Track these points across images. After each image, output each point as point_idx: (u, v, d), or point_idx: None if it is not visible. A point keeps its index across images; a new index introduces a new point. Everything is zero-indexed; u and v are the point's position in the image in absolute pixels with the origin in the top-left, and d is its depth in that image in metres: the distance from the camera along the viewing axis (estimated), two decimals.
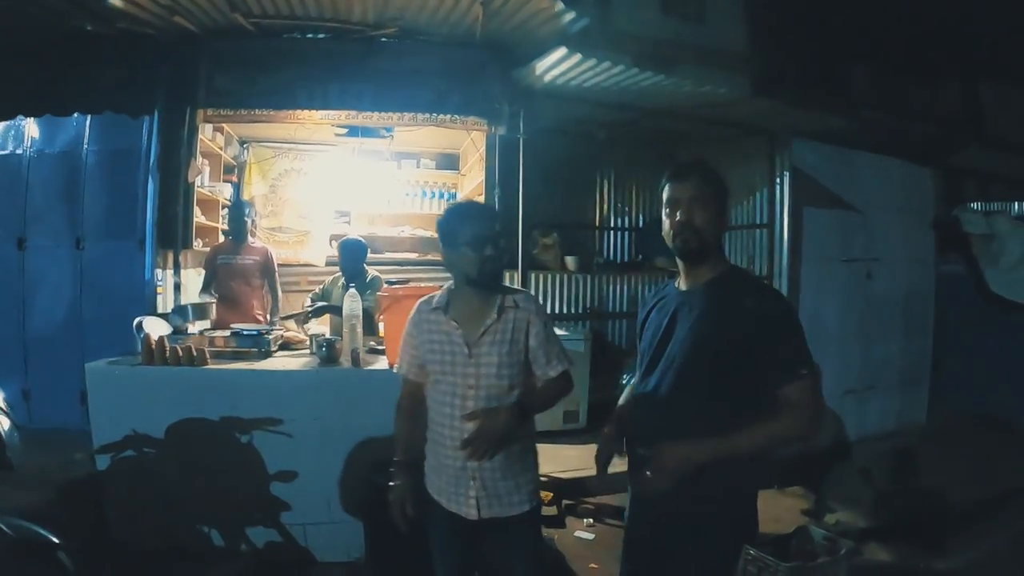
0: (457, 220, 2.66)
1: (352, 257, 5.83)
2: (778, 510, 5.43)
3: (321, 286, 6.05)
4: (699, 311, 2.24)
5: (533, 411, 2.71)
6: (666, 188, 2.32)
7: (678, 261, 2.37)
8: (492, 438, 2.51)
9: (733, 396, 2.15)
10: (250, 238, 6.24)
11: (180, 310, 4.88)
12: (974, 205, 8.82)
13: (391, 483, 2.71)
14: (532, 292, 7.56)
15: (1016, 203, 10.08)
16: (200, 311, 4.88)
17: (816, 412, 2.12)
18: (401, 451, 2.78)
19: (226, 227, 7.08)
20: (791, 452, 5.52)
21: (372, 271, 5.92)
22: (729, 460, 2.13)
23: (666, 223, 2.31)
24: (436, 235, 2.75)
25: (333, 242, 7.91)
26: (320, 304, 5.75)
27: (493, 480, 2.60)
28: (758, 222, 7.20)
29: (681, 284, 2.38)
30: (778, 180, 6.86)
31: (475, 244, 2.57)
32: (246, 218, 6.15)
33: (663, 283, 2.59)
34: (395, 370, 2.89)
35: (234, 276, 6.05)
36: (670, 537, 2.28)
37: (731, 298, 2.21)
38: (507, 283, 2.93)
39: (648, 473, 2.17)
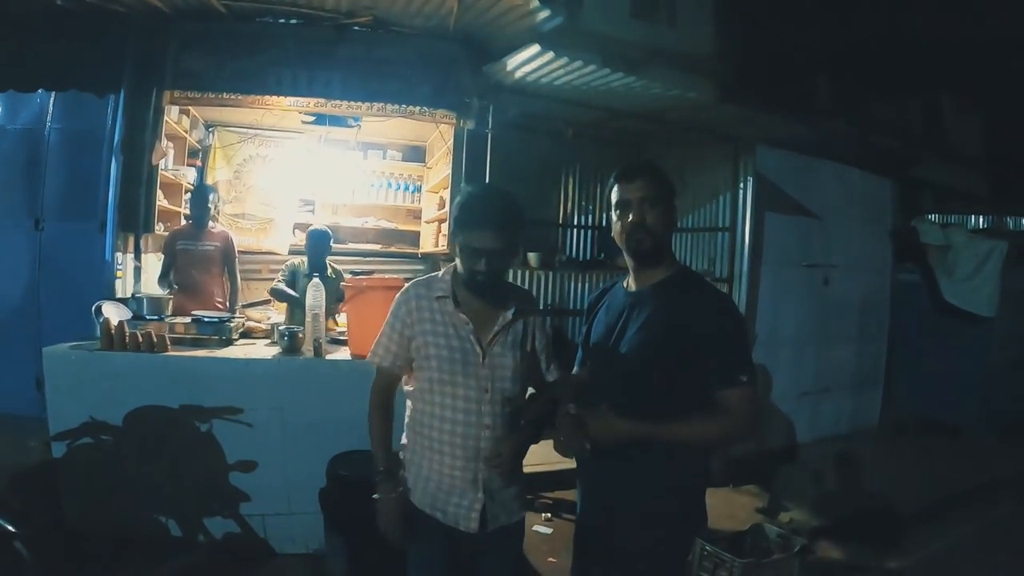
0: (465, 208, 2.36)
1: (321, 247, 5.82)
2: (733, 508, 5.54)
3: (288, 266, 6.00)
4: (649, 313, 2.25)
5: (545, 430, 2.53)
6: (615, 190, 2.32)
7: (628, 261, 2.36)
8: (514, 464, 2.44)
9: (682, 397, 2.18)
10: (211, 223, 6.12)
11: (137, 302, 4.81)
12: (932, 217, 8.99)
13: (376, 496, 2.43)
14: None
15: (972, 216, 10.34)
16: (156, 306, 4.79)
17: (750, 417, 2.18)
18: (384, 457, 2.48)
19: (188, 211, 6.98)
20: (741, 451, 5.68)
21: (333, 265, 5.97)
22: (675, 456, 2.20)
23: (617, 225, 2.31)
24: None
25: (297, 231, 7.86)
26: (282, 290, 5.78)
27: (499, 489, 2.43)
28: (720, 225, 7.26)
29: (631, 285, 2.39)
30: (741, 185, 6.92)
31: (470, 249, 2.32)
32: (210, 204, 6.03)
33: (609, 282, 2.59)
34: (370, 359, 2.53)
35: (194, 262, 5.92)
36: (619, 532, 2.30)
37: (680, 301, 2.23)
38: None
39: (574, 430, 2.19)
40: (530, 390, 2.62)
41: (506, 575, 2.59)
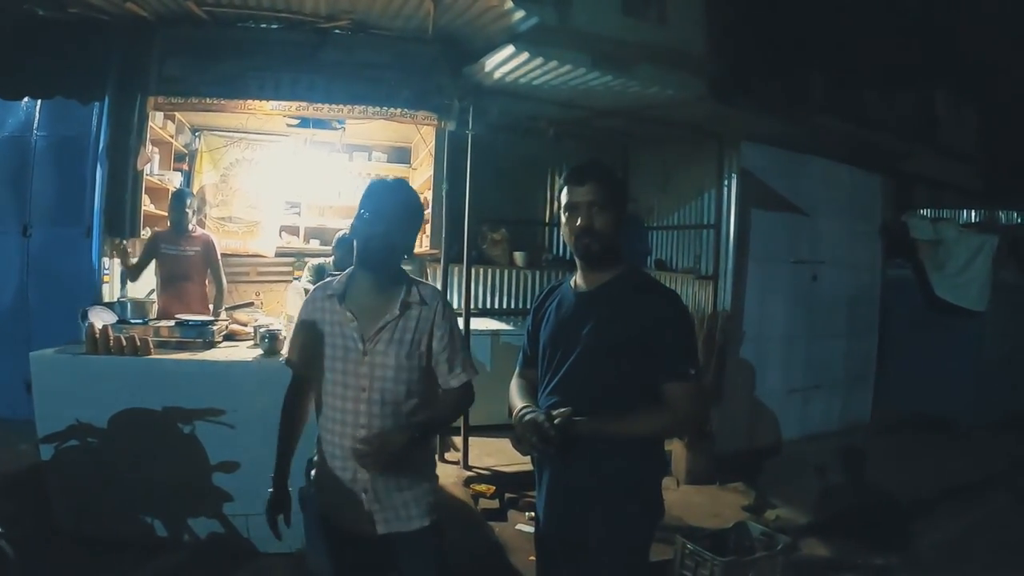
0: (362, 195, 2.42)
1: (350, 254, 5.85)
2: (719, 506, 5.54)
3: (314, 267, 6.07)
4: (600, 313, 2.29)
5: (434, 432, 2.55)
6: (564, 192, 2.35)
7: (577, 262, 2.41)
8: (387, 461, 2.27)
9: (635, 392, 2.23)
10: (191, 227, 6.11)
11: (122, 306, 4.87)
12: (923, 211, 8.99)
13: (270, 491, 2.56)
14: (472, 287, 7.58)
15: (963, 210, 10.32)
16: (140, 309, 4.83)
17: (693, 410, 2.27)
18: (277, 458, 2.59)
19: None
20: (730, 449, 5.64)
21: None
22: (629, 451, 2.24)
23: (565, 228, 2.36)
24: None
25: (283, 233, 8.02)
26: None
27: (387, 492, 2.36)
28: (705, 222, 7.26)
29: (580, 284, 2.42)
30: (726, 181, 6.92)
31: (359, 219, 2.37)
32: (187, 208, 6.00)
33: (555, 282, 2.63)
34: (284, 357, 2.61)
35: (176, 266, 5.95)
36: (579, 530, 2.33)
37: (630, 299, 2.27)
38: (419, 275, 2.74)
39: (524, 431, 2.21)
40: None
41: None
